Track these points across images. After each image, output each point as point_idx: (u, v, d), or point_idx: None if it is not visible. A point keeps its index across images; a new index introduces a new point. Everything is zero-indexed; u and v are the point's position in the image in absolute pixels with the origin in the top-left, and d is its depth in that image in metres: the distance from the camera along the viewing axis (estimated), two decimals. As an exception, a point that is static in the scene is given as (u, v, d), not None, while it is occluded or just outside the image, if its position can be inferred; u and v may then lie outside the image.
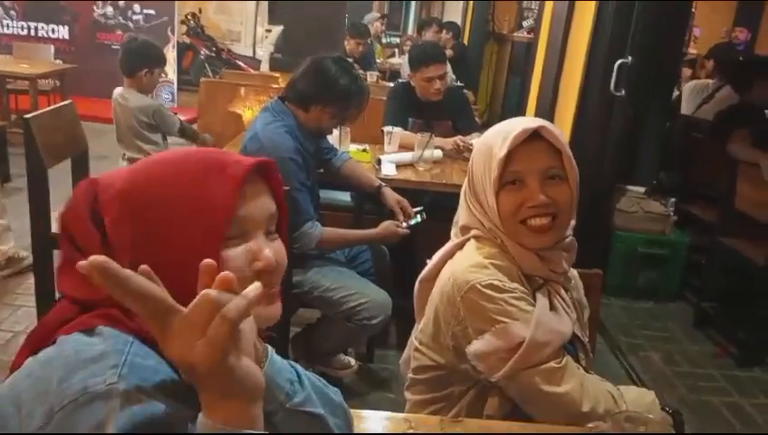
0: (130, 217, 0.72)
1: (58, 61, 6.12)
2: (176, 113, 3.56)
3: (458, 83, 5.57)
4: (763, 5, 7.49)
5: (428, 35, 6.74)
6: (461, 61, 6.80)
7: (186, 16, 7.83)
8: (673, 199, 3.75)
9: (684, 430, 1.20)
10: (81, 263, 0.57)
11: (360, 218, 2.85)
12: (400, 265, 2.68)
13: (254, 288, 0.62)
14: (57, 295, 0.77)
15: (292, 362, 0.85)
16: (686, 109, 4.68)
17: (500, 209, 1.21)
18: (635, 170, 3.94)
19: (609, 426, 0.95)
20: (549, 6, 3.70)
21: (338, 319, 2.27)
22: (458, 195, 1.34)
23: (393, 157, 2.93)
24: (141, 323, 0.65)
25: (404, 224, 2.40)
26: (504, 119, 1.30)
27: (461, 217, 1.32)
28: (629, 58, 3.11)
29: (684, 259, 3.69)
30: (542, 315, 1.17)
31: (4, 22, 7.21)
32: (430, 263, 1.33)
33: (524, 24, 8.10)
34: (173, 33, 7.31)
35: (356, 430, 0.91)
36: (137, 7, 7.26)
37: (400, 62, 6.95)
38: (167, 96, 7.25)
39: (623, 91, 3.14)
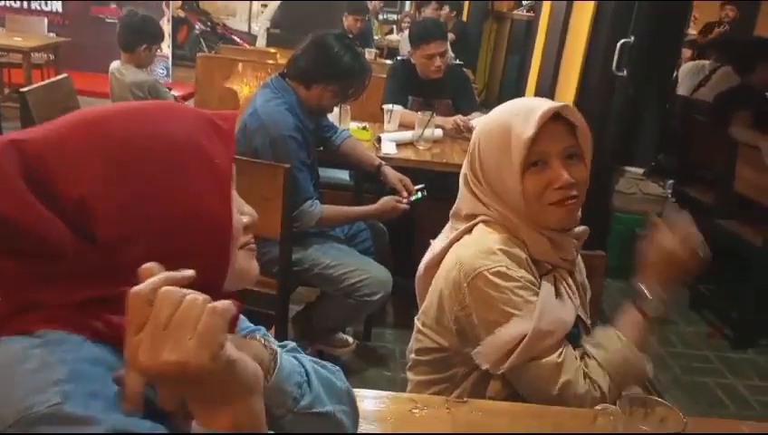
0: (119, 177, 0.63)
1: (51, 34, 6.02)
2: (170, 89, 3.51)
3: (457, 62, 5.52)
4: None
5: (428, 12, 6.65)
6: (461, 39, 6.73)
7: (181, -10, 7.74)
8: (671, 181, 3.75)
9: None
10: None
11: (359, 197, 2.83)
12: (399, 244, 2.68)
13: (192, 274, 0.59)
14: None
15: (302, 359, 0.83)
16: (682, 90, 4.66)
17: (524, 192, 1.17)
18: (634, 152, 3.94)
19: (616, 409, 0.95)
20: (551, -16, 3.66)
21: (338, 296, 2.27)
22: (459, 174, 1.29)
23: (393, 136, 2.91)
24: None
25: (405, 200, 2.39)
26: (502, 98, 1.26)
27: (463, 206, 1.27)
28: (632, 38, 3.08)
29: (681, 241, 3.69)
30: (547, 304, 1.17)
31: (-4, -6, 7.08)
32: (434, 249, 1.30)
33: (524, 2, 8.02)
34: (167, 7, 7.19)
35: (360, 410, 0.91)
36: (131, -21, 7.14)
37: (398, 39, 6.87)
38: (161, 71, 7.14)
39: (625, 72, 3.12)
